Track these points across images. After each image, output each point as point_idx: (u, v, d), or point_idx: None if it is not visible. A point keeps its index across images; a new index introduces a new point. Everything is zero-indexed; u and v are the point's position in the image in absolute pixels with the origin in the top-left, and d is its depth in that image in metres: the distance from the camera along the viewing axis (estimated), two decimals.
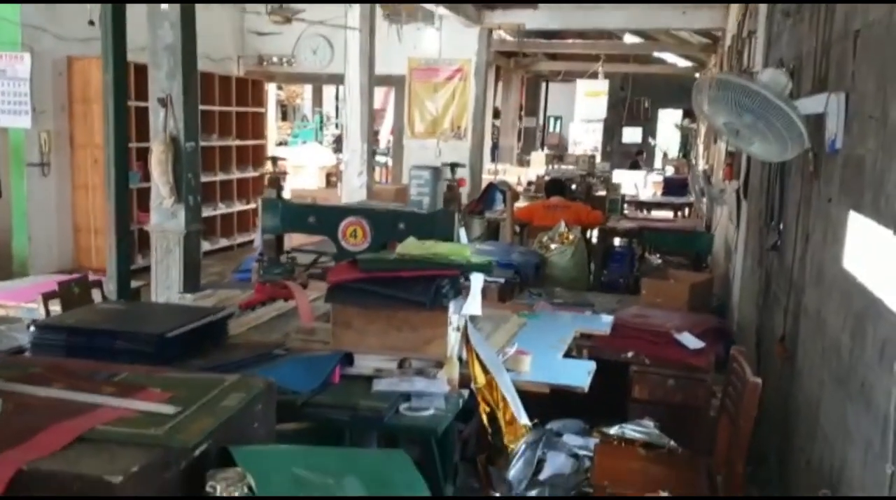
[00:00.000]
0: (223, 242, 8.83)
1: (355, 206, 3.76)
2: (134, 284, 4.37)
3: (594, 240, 6.65)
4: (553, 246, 4.93)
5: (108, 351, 2.28)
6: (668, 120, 17.56)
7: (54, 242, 7.12)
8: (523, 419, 2.49)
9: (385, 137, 12.49)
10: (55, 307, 3.43)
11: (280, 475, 1.41)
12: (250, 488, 1.34)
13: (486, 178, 9.16)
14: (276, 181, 3.19)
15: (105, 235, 4.45)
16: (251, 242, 8.93)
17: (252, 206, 9.00)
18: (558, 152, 12.19)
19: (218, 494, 1.32)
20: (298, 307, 2.89)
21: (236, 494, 1.32)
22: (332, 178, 10.88)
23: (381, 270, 2.47)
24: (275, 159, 3.46)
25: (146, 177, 5.41)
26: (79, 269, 6.69)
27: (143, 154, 5.65)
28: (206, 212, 7.39)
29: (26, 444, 1.31)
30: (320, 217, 3.11)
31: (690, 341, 3.65)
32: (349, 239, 3.05)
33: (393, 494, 1.53)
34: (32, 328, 2.45)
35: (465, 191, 4.38)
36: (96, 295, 3.70)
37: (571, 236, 4.96)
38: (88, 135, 7.11)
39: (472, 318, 2.58)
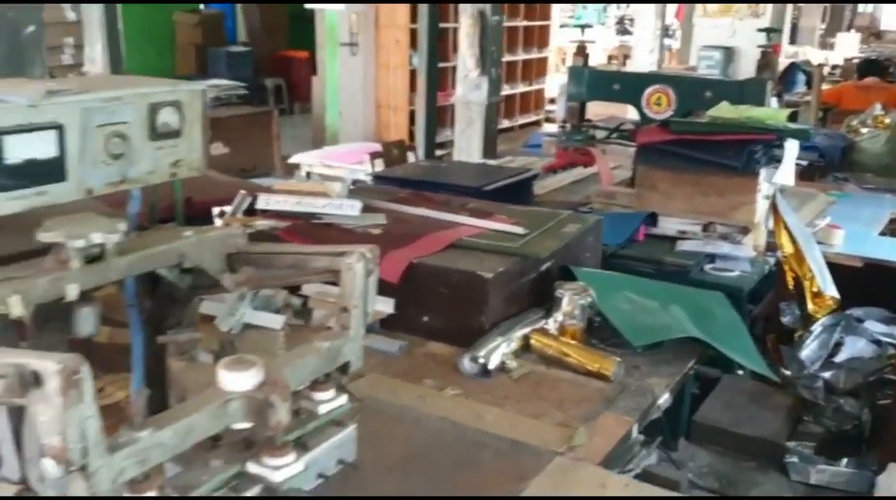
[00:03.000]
0: (505, 123, 9.13)
1: (661, 73, 3.76)
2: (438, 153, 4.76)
3: None
4: (864, 130, 4.56)
5: None
6: None
7: (360, 117, 7.81)
8: (830, 291, 2.46)
9: (669, 20, 11.97)
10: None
11: (615, 294, 1.58)
12: (592, 299, 1.52)
13: (783, 62, 8.53)
14: (583, 49, 3.28)
15: (403, 112, 4.83)
16: (534, 123, 9.16)
17: (535, 87, 9.16)
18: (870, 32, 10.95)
19: (565, 301, 1.51)
20: (599, 171, 3.03)
21: (581, 303, 1.51)
22: (614, 60, 10.70)
23: (692, 132, 2.50)
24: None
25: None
26: (380, 142, 7.33)
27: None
28: None
29: (410, 246, 1.58)
30: (625, 84, 3.17)
31: None
32: (653, 107, 3.09)
33: (716, 326, 1.64)
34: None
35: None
36: (410, 159, 4.10)
37: (888, 121, 4.55)
38: (391, 16, 7.58)
39: (782, 188, 2.56)
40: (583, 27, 3.65)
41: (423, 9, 4.42)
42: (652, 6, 6.36)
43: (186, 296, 1.20)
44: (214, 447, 0.92)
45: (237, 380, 0.87)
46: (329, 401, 0.99)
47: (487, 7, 4.16)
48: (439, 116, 6.39)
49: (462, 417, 1.31)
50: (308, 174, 4.94)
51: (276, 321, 1.50)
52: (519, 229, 1.68)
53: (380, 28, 7.71)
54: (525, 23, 9.09)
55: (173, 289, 1.20)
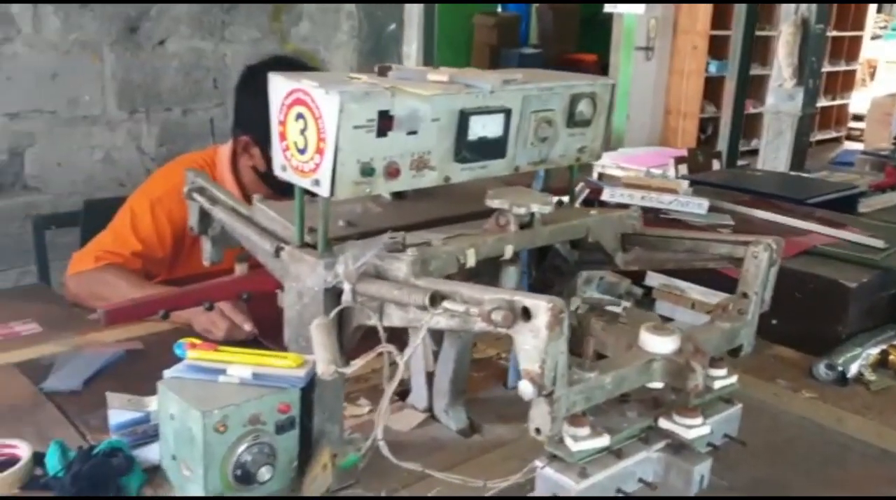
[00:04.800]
0: None
1: None
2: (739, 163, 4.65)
3: None
4: None
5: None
6: None
7: (647, 122, 7.78)
8: None
9: None
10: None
11: None
12: None
13: None
14: None
15: (693, 119, 4.72)
16: (832, 139, 8.57)
17: (839, 102, 8.57)
18: None
19: None
20: None
21: None
22: None
23: None
24: None
25: None
26: (666, 148, 7.26)
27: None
28: None
29: None
30: None
31: None
32: None
33: None
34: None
35: None
36: (715, 166, 4.05)
37: None
38: (691, 21, 7.47)
39: None
40: None
41: (741, 14, 4.33)
42: None
43: (572, 270, 1.33)
44: (624, 401, 1.03)
45: (659, 343, 0.98)
46: (722, 378, 1.07)
47: (813, 15, 3.99)
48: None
49: (822, 418, 1.33)
50: (600, 176, 5.04)
51: (617, 306, 1.61)
52: (878, 242, 1.65)
53: (678, 33, 7.62)
54: (834, 32, 8.52)
55: (562, 262, 1.33)
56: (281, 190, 1.20)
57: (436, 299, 0.90)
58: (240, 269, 1.41)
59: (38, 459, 1.12)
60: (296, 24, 3.12)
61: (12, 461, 1.11)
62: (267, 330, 1.50)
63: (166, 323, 1.58)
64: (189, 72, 2.89)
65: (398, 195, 1.28)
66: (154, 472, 1.11)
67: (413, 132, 1.02)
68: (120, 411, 1.20)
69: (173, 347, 1.12)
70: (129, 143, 2.83)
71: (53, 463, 1.09)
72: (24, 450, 1.12)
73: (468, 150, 1.09)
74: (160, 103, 2.86)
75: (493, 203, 1.11)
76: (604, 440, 0.93)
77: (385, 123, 0.98)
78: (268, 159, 1.82)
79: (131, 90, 2.79)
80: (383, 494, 1.06)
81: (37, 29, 2.55)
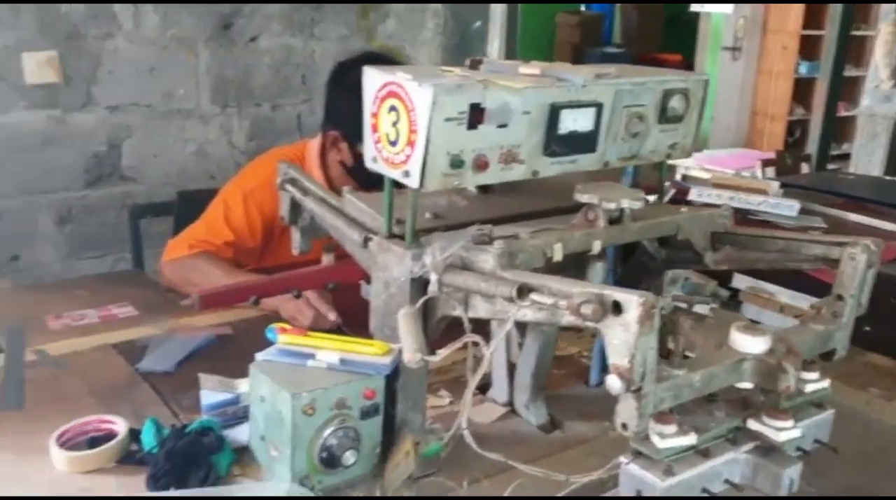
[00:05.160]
0: None
1: None
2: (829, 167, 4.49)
3: None
4: None
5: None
6: None
7: (733, 124, 7.59)
8: None
9: None
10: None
11: None
12: None
13: None
14: None
15: (781, 121, 4.56)
16: None
17: None
18: None
19: None
20: None
21: None
22: None
23: None
24: None
25: None
26: (752, 149, 7.07)
27: None
28: None
29: None
30: None
31: None
32: None
33: None
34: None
35: None
36: (804, 169, 3.93)
37: None
38: (782, 21, 7.24)
39: None
40: None
41: (836, 13, 4.18)
42: None
43: (659, 268, 1.31)
44: (711, 401, 1.01)
45: (751, 343, 0.96)
46: (814, 382, 1.04)
47: None
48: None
49: None
50: (684, 177, 4.95)
51: (703, 308, 1.58)
52: None
53: (767, 33, 7.41)
54: None
55: (649, 259, 1.32)
56: (367, 185, 1.22)
57: (523, 291, 0.91)
58: (326, 259, 1.44)
59: (133, 435, 1.17)
60: (383, 21, 3.16)
61: (110, 436, 1.16)
62: (351, 320, 1.53)
63: (255, 310, 1.63)
64: (279, 68, 2.97)
65: (484, 189, 1.29)
66: (243, 452, 1.14)
67: (503, 125, 1.02)
68: (211, 392, 1.24)
69: (263, 332, 1.15)
70: (220, 137, 2.92)
71: (148, 439, 1.14)
72: (121, 426, 1.18)
73: (558, 144, 1.09)
74: (251, 99, 2.94)
75: (583, 198, 1.11)
76: (691, 439, 0.92)
77: (476, 115, 0.99)
78: (355, 154, 1.86)
79: (224, 85, 2.87)
80: (465, 484, 1.07)
81: (137, 25, 2.66)
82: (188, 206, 2.24)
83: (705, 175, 4.85)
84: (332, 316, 1.58)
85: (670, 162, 1.83)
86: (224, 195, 1.96)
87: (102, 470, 1.12)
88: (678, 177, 5.17)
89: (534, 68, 1.11)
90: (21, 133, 2.56)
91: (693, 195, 1.91)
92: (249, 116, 2.95)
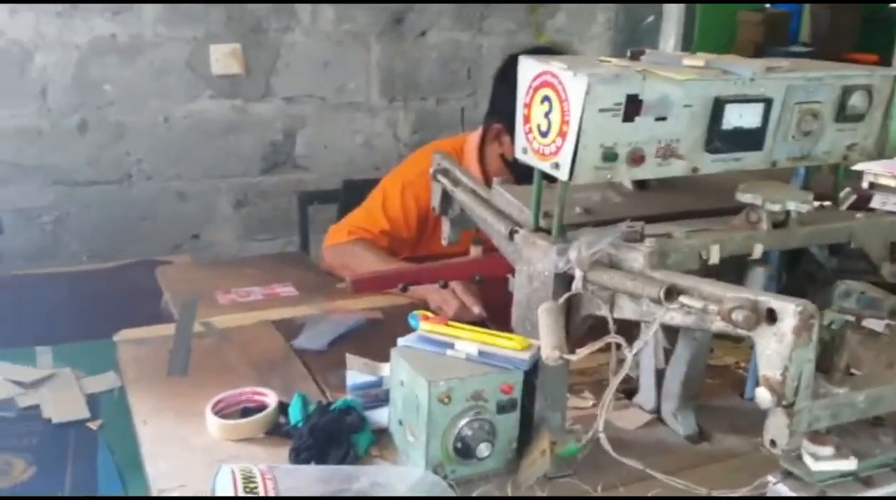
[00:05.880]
0: None
1: None
2: None
3: None
4: None
5: None
6: None
7: None
8: None
9: None
10: None
11: None
12: None
13: None
14: None
15: None
16: None
17: None
18: None
19: None
20: None
21: None
22: None
23: None
24: None
25: None
26: None
27: None
28: None
29: None
30: None
31: None
32: None
33: None
34: None
35: None
36: None
37: None
38: None
39: None
40: None
41: None
42: None
43: (827, 278, 1.21)
44: (877, 425, 0.93)
45: None
46: None
47: None
48: None
49: None
50: (871, 185, 4.59)
51: (878, 323, 1.45)
52: None
53: None
54: None
55: (817, 268, 1.22)
56: (525, 179, 1.21)
57: (672, 292, 0.86)
58: (474, 251, 1.44)
59: (282, 408, 1.22)
60: (552, 16, 3.13)
61: (261, 407, 1.22)
62: (495, 315, 1.53)
63: (404, 297, 1.66)
64: (446, 62, 3.01)
65: (639, 185, 1.24)
66: (382, 434, 1.17)
67: (662, 118, 0.98)
68: (357, 373, 1.27)
69: (408, 318, 1.17)
70: (386, 129, 3.00)
71: (295, 414, 1.19)
72: (271, 399, 1.23)
73: (721, 140, 1.03)
74: (417, 92, 3.00)
75: (745, 198, 1.04)
76: (850, 464, 0.84)
77: (633, 107, 0.95)
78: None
79: (392, 79, 2.95)
80: (599, 488, 1.04)
81: (314, 20, 2.78)
82: (353, 194, 2.32)
83: None
84: (476, 309, 1.58)
85: (855, 167, 1.69)
86: (384, 185, 2.01)
87: (252, 440, 1.17)
88: (864, 184, 4.81)
89: (698, 60, 1.05)
90: (207, 121, 2.74)
91: (876, 203, 1.75)
92: (415, 110, 3.02)
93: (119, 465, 1.17)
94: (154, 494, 1.05)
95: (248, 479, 0.88)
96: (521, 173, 1.26)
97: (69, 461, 1.19)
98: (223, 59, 2.68)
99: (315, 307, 1.69)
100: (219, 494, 0.94)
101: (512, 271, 1.14)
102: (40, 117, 2.55)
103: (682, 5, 4.71)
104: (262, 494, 0.86)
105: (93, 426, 1.26)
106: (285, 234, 2.92)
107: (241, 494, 0.85)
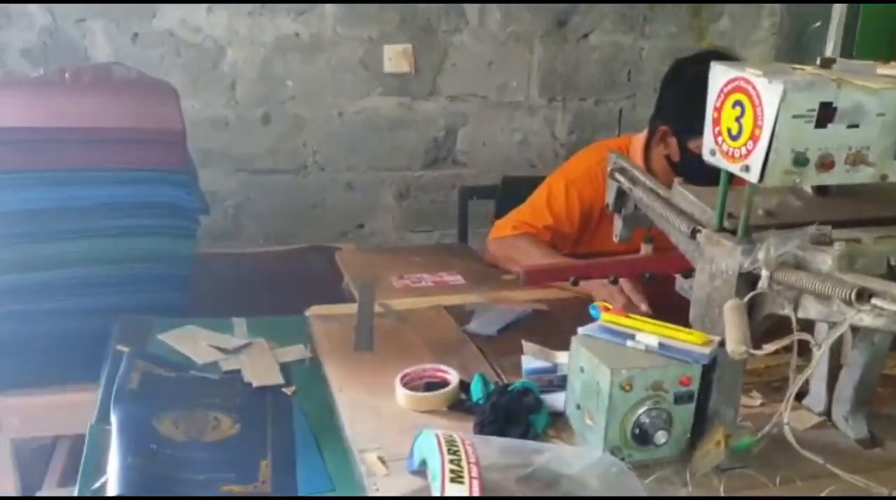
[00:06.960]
0: None
1: None
2: None
3: None
4: None
5: None
6: None
7: None
8: None
9: None
10: None
11: None
12: None
13: None
14: None
15: None
16: None
17: None
18: None
19: None
20: None
21: None
22: None
23: None
24: None
25: None
26: None
27: None
28: None
29: None
30: None
31: None
32: None
33: None
34: None
35: None
36: None
37: None
38: None
39: None
40: None
41: None
42: None
43: None
44: None
45: None
46: None
47: None
48: None
49: None
50: None
51: None
52: None
53: None
54: None
55: None
56: (690, 180, 1.25)
57: (864, 294, 0.89)
58: (645, 249, 1.49)
59: (462, 386, 1.31)
60: (716, 20, 3.10)
61: (443, 383, 1.32)
62: (660, 314, 1.56)
63: (568, 291, 1.73)
64: (606, 64, 3.04)
65: (821, 191, 1.25)
66: (556, 417, 1.24)
67: (854, 126, 1.00)
68: (532, 359, 1.35)
69: (576, 311, 1.23)
70: (544, 128, 3.07)
71: (476, 391, 1.28)
72: (453, 376, 1.33)
73: None
74: (576, 93, 3.05)
75: None
76: None
77: (826, 114, 0.98)
78: (683, 149, 1.88)
79: (553, 79, 3.01)
80: (777, 481, 1.07)
81: (481, 22, 2.88)
82: (510, 191, 2.41)
83: None
84: (643, 306, 1.63)
85: None
86: (549, 181, 2.08)
87: (436, 412, 1.27)
88: None
89: (893, 69, 1.06)
90: (376, 116, 2.90)
91: None
92: (573, 110, 3.07)
93: (313, 428, 1.29)
94: (355, 453, 1.16)
95: (451, 442, 0.98)
96: (686, 174, 1.30)
97: (268, 422, 1.32)
98: (395, 58, 2.83)
99: (482, 296, 1.79)
100: (416, 454, 1.05)
101: (681, 270, 1.19)
102: (229, 109, 2.78)
103: (844, 10, 4.51)
104: (463, 458, 0.95)
105: (287, 391, 1.40)
106: (442, 227, 3.04)
107: (446, 455, 0.95)
